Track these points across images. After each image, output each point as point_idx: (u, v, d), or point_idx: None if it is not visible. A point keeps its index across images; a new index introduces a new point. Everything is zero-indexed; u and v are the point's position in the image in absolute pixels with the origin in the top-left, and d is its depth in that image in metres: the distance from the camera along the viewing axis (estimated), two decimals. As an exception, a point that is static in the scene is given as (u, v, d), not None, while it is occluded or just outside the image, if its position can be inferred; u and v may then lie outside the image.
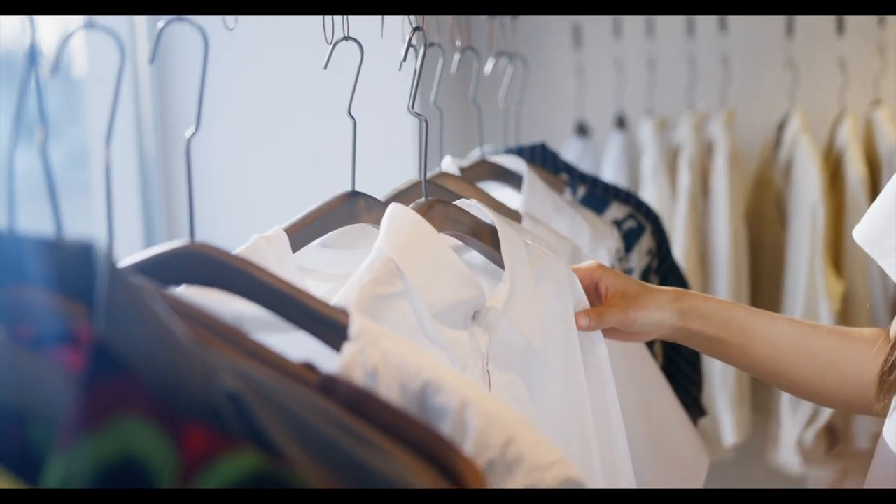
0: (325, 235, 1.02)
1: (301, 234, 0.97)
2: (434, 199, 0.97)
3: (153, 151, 2.20)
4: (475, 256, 1.03)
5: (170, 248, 0.70)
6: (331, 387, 0.62)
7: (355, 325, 0.68)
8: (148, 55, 2.10)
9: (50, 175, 0.57)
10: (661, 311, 1.06)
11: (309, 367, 0.63)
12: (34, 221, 0.56)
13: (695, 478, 1.38)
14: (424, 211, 0.93)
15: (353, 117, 1.02)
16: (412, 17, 1.01)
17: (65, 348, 0.51)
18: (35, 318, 0.52)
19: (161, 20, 0.71)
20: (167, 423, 0.51)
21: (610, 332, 1.08)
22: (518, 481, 0.63)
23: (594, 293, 1.07)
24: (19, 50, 0.58)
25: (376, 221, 1.02)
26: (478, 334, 0.92)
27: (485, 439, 0.64)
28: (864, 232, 1.10)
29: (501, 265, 0.98)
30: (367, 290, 0.82)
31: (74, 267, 0.54)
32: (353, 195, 1.02)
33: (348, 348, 0.67)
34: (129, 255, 0.70)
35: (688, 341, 1.11)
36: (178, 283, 0.69)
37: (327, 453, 0.56)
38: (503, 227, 0.98)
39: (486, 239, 0.99)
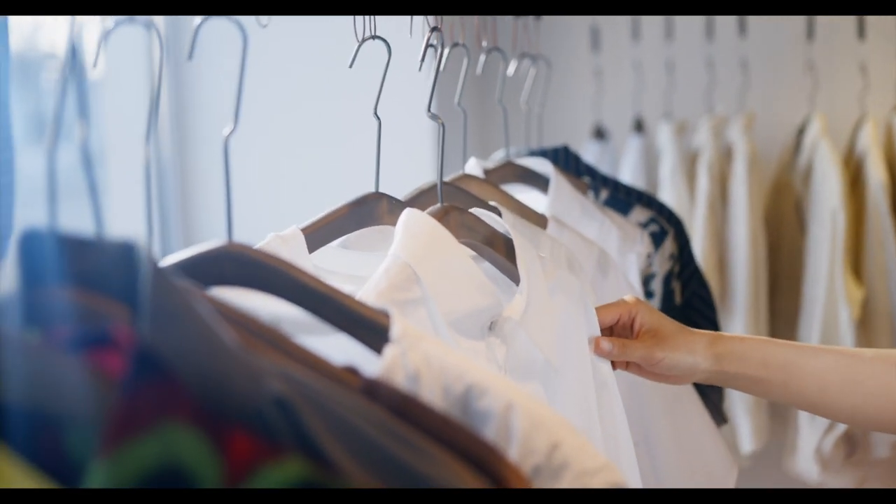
0: (346, 236, 1.00)
1: (318, 234, 0.96)
2: (450, 205, 0.96)
3: (170, 151, 2.19)
4: (487, 267, 1.01)
5: (207, 248, 0.68)
6: (373, 390, 0.60)
7: (397, 327, 0.66)
8: (175, 52, 2.08)
9: (91, 174, 0.56)
10: (694, 354, 1.05)
11: (351, 371, 0.62)
12: (65, 220, 0.54)
13: (723, 487, 1.36)
14: (440, 217, 0.92)
15: (378, 118, 1.00)
16: (430, 18, 1.00)
17: (106, 351, 0.50)
18: (74, 319, 0.51)
19: (196, 19, 0.69)
20: (212, 430, 0.50)
21: (639, 370, 1.08)
22: (564, 487, 0.62)
23: (629, 328, 1.07)
24: (31, 50, 0.56)
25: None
26: (495, 345, 0.90)
27: (530, 444, 0.63)
28: None
29: (514, 277, 0.97)
30: (384, 295, 0.81)
31: (116, 267, 0.52)
32: (377, 196, 1.01)
33: (390, 351, 0.65)
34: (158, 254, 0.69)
35: (727, 384, 1.10)
36: (215, 283, 0.68)
37: (375, 459, 0.54)
38: (519, 239, 0.96)
39: (500, 249, 0.97)
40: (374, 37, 0.97)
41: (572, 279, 1.01)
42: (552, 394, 0.95)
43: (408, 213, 0.89)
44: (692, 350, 1.05)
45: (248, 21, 0.84)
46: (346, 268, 1.01)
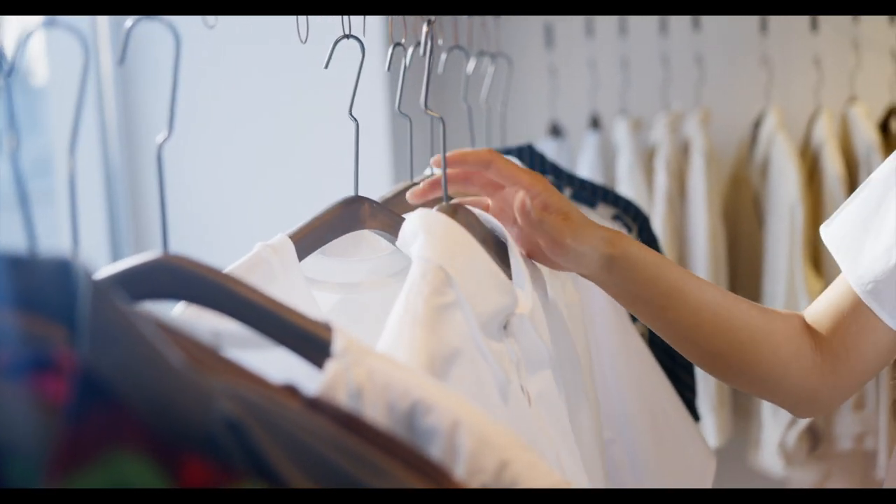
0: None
1: (306, 241, 0.92)
2: (457, 203, 0.92)
3: (118, 158, 2.14)
4: None
5: (141, 260, 0.64)
6: (316, 409, 0.57)
7: (339, 342, 0.63)
8: (114, 56, 2.03)
9: (22, 185, 0.52)
10: (595, 250, 0.97)
11: (290, 389, 0.58)
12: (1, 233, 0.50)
13: (702, 481, 1.35)
14: (451, 216, 0.87)
15: (355, 119, 0.96)
16: (394, 17, 0.97)
17: (46, 376, 0.46)
18: (8, 342, 0.47)
19: (129, 19, 0.65)
20: (162, 456, 0.46)
21: (536, 252, 0.99)
22: None
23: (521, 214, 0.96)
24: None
25: (383, 227, 0.97)
26: (511, 345, 0.87)
27: (477, 462, 0.59)
28: (833, 234, 1.09)
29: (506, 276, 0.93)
30: (430, 301, 0.76)
31: (51, 285, 0.48)
32: (358, 200, 0.97)
33: (331, 366, 0.62)
34: (98, 266, 0.65)
35: (608, 289, 1.03)
36: (150, 298, 0.64)
37: (328, 476, 0.51)
38: (509, 234, 0.93)
39: (491, 248, 0.93)
40: (347, 36, 0.94)
41: (548, 277, 0.98)
42: (558, 388, 0.93)
43: (424, 214, 0.85)
44: (595, 246, 0.97)
45: (196, 22, 0.80)
46: (330, 276, 0.97)
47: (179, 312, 0.72)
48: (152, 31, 0.65)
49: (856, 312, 1.03)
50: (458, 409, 0.61)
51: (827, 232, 1.10)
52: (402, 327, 0.73)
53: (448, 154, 0.95)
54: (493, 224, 0.94)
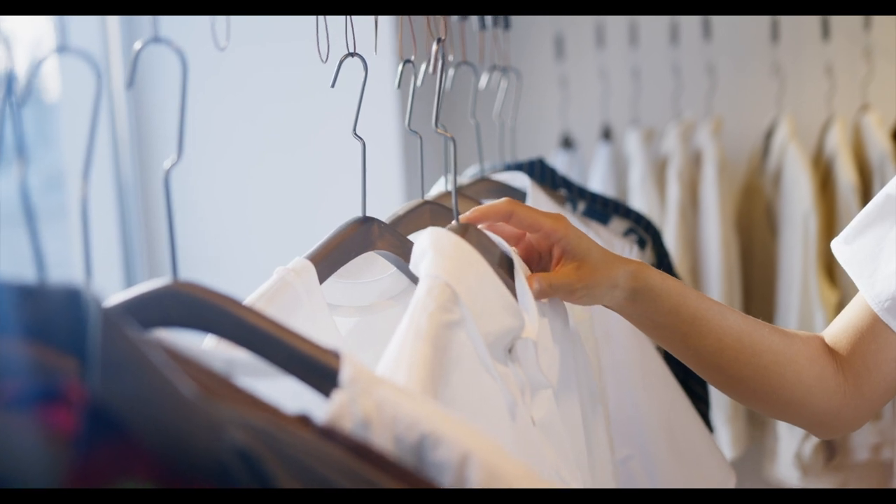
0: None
1: (325, 263, 0.91)
2: (467, 222, 0.91)
3: (131, 177, 2.14)
4: None
5: (151, 287, 0.64)
6: (329, 439, 0.56)
7: (347, 371, 0.62)
8: (125, 78, 2.04)
9: (30, 211, 0.51)
10: (614, 289, 0.97)
11: (303, 420, 0.58)
12: (10, 252, 0.50)
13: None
14: (461, 235, 0.86)
15: (360, 138, 0.96)
16: (405, 35, 0.96)
17: (56, 408, 0.45)
18: (17, 374, 0.47)
19: (138, 42, 0.65)
20: (174, 487, 0.46)
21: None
22: None
23: (547, 254, 0.99)
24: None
25: (389, 248, 0.97)
26: (517, 369, 0.86)
27: None
28: (846, 250, 1.08)
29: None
30: (435, 318, 0.75)
31: (60, 314, 0.48)
32: (368, 220, 0.96)
33: (337, 397, 0.61)
34: (110, 288, 0.64)
35: (631, 319, 1.03)
36: (160, 325, 0.64)
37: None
38: (516, 258, 0.92)
39: (505, 271, 0.92)
40: (351, 54, 0.93)
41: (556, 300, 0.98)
42: (561, 412, 0.92)
43: (434, 232, 0.84)
44: (614, 284, 0.97)
45: (209, 44, 0.80)
46: (346, 299, 0.96)
47: (205, 343, 0.71)
48: (165, 51, 0.65)
49: (875, 331, 1.03)
50: (468, 441, 0.59)
51: (839, 248, 1.09)
52: (405, 343, 0.72)
53: (469, 213, 0.95)
54: (505, 248, 0.94)
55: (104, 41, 2.01)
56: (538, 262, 1.00)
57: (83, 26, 2.02)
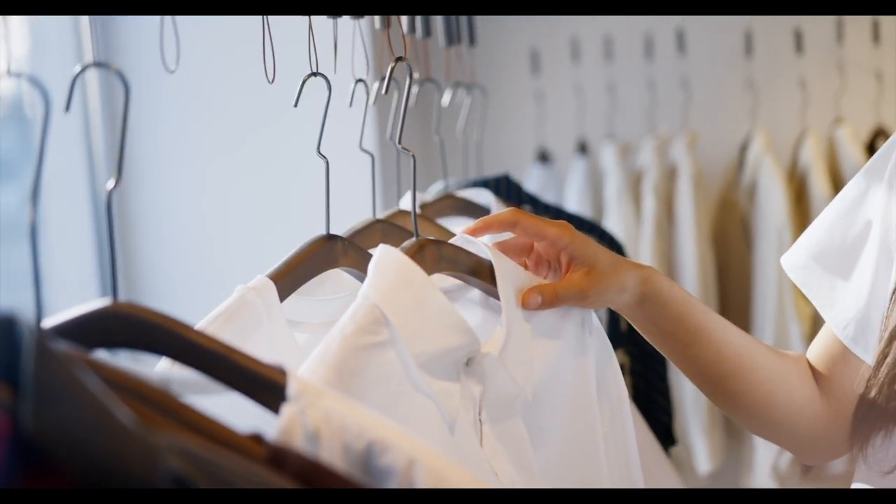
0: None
1: (286, 281, 0.91)
2: (425, 238, 0.91)
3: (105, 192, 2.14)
4: (476, 295, 0.97)
5: (91, 308, 0.64)
6: (281, 459, 0.57)
7: (293, 385, 0.63)
8: (99, 92, 2.03)
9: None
10: (623, 293, 0.98)
11: (255, 438, 0.58)
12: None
13: None
14: (415, 252, 0.87)
15: (324, 157, 0.96)
16: (368, 53, 0.97)
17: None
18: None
19: (78, 65, 0.66)
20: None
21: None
22: None
23: (556, 261, 0.99)
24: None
25: (353, 265, 0.97)
26: (471, 384, 0.86)
27: None
28: (799, 268, 1.08)
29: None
30: (349, 340, 0.76)
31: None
32: (330, 238, 0.97)
33: (287, 410, 0.62)
34: (83, 299, 0.65)
35: (635, 323, 1.04)
36: (101, 346, 0.64)
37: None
38: (499, 264, 0.91)
39: (486, 277, 0.92)
40: (314, 74, 0.94)
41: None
42: (536, 430, 0.91)
43: (382, 251, 0.84)
44: (623, 288, 0.97)
45: (157, 66, 0.80)
46: (308, 315, 0.97)
47: (161, 367, 0.71)
48: (141, 65, 0.66)
49: (845, 358, 1.03)
50: (414, 448, 0.61)
51: (791, 264, 1.09)
52: (309, 366, 0.74)
53: (474, 225, 0.96)
54: (484, 252, 0.93)
55: (79, 54, 2.00)
56: (549, 270, 1.00)
57: (58, 36, 2.01)
